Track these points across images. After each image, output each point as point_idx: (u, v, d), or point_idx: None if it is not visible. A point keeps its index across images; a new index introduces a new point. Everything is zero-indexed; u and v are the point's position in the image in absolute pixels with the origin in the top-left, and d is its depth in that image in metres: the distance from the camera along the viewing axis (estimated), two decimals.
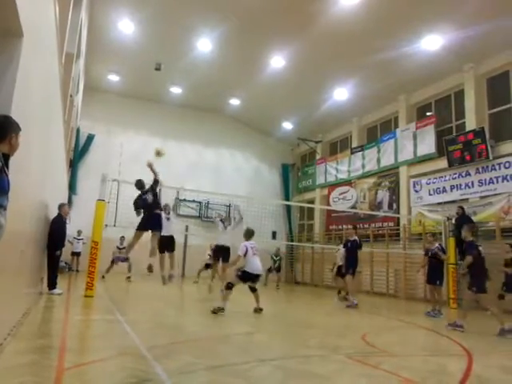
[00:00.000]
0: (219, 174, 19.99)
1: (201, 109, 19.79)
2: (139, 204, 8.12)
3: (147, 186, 8.45)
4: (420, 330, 7.15)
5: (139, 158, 18.69)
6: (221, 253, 10.05)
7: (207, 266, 13.51)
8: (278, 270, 15.50)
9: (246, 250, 7.44)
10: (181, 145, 19.87)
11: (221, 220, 10.59)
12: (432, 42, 11.84)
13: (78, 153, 17.47)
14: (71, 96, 9.03)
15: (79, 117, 16.64)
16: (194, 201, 19.14)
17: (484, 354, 5.03)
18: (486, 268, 6.98)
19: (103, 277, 12.99)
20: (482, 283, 6.76)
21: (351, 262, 9.68)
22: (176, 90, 18.04)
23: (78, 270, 15.24)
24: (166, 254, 8.91)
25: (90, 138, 18.05)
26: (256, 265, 7.49)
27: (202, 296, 9.97)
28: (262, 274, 7.69)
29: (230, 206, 19.51)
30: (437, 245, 8.97)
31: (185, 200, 18.94)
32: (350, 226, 16.64)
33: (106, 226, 9.01)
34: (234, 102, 18.70)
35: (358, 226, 11.79)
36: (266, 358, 4.20)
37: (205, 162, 20.10)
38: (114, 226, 9.09)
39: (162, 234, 8.36)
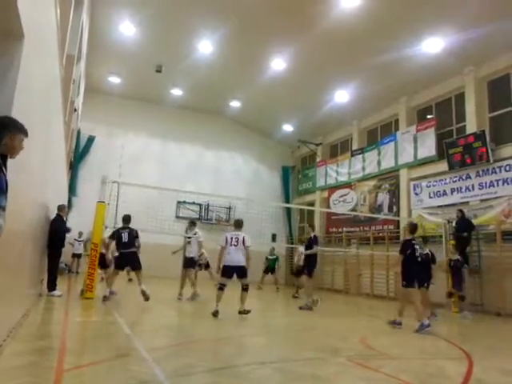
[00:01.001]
0: (219, 176, 20.02)
1: (201, 110, 19.83)
2: (114, 236, 8.53)
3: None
4: (419, 333, 7.12)
5: (139, 160, 18.84)
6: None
7: (204, 267, 13.22)
8: (273, 271, 14.87)
9: (226, 241, 7.06)
10: (181, 146, 19.93)
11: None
12: (433, 45, 11.85)
13: (78, 154, 17.51)
14: (72, 98, 9.05)
15: (80, 118, 16.68)
16: (194, 203, 19.15)
17: (484, 357, 5.01)
18: (419, 265, 7.23)
19: (130, 280, 13.10)
20: (411, 279, 7.04)
21: (309, 262, 9.26)
22: (176, 92, 18.08)
23: (77, 272, 15.24)
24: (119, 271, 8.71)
25: (91, 139, 18.11)
26: (232, 256, 7.01)
27: (201, 298, 9.94)
28: (239, 266, 7.03)
29: (230, 208, 19.54)
30: (427, 251, 8.61)
31: (185, 202, 18.95)
32: (351, 229, 16.75)
33: (106, 227, 8.99)
34: (235, 103, 18.72)
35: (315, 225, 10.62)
36: (266, 361, 4.20)
37: (205, 164, 20.14)
38: (114, 227, 9.04)
39: (127, 250, 8.52)
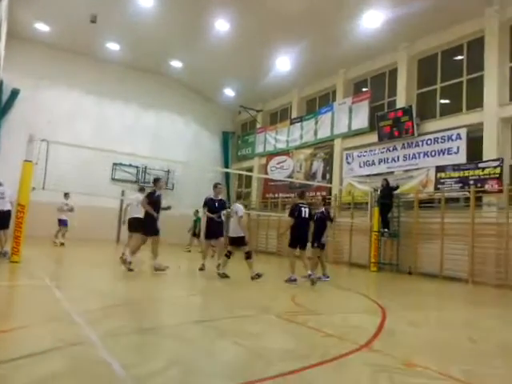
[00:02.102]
0: (158, 138, 19.40)
1: (140, 68, 18.82)
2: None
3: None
4: (342, 291, 7.80)
5: (72, 118, 17.60)
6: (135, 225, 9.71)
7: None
8: (196, 234, 14.81)
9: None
10: (117, 105, 18.90)
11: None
12: (372, 18, 12.16)
13: (0, 108, 15.90)
14: None
15: (1, 68, 15.02)
16: (130, 165, 18.52)
17: (396, 311, 5.65)
18: (307, 227, 7.98)
19: (61, 243, 12.69)
20: (295, 241, 7.87)
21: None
22: (113, 47, 16.91)
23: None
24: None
25: (15, 92, 16.43)
26: (231, 227, 7.94)
27: (136, 261, 9.89)
28: (236, 237, 7.83)
29: (168, 171, 19.19)
30: (322, 209, 8.88)
31: (121, 164, 18.26)
32: (286, 195, 17.28)
33: (34, 188, 8.43)
34: (176, 64, 17.99)
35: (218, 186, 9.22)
36: (200, 320, 4.37)
37: (143, 125, 19.36)
38: (43, 188, 8.50)
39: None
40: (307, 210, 7.92)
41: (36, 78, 16.89)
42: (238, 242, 7.84)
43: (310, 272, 7.66)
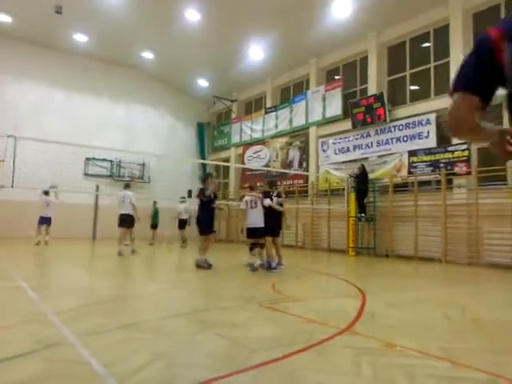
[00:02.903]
0: (132, 132, 19.05)
1: (110, 60, 18.31)
2: None
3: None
4: (322, 276, 7.91)
5: (40, 113, 16.98)
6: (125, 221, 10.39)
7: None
8: (155, 226, 15.00)
9: (246, 204, 7.79)
10: (87, 99, 18.38)
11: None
12: (341, 8, 12.26)
13: None
14: None
15: None
16: (104, 159, 18.09)
17: (374, 293, 5.78)
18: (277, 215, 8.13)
19: (45, 242, 12.31)
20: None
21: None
22: (81, 38, 16.36)
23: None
24: None
25: None
26: (250, 218, 7.75)
27: (115, 257, 9.74)
28: (258, 228, 7.68)
29: (144, 164, 18.88)
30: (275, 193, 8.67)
31: (94, 159, 17.82)
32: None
33: (3, 186, 8.12)
34: (147, 55, 17.61)
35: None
36: (181, 313, 4.33)
37: (115, 119, 18.92)
38: (12, 186, 8.20)
39: None
40: (276, 199, 8.08)
41: None
42: (256, 232, 7.76)
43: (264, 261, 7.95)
